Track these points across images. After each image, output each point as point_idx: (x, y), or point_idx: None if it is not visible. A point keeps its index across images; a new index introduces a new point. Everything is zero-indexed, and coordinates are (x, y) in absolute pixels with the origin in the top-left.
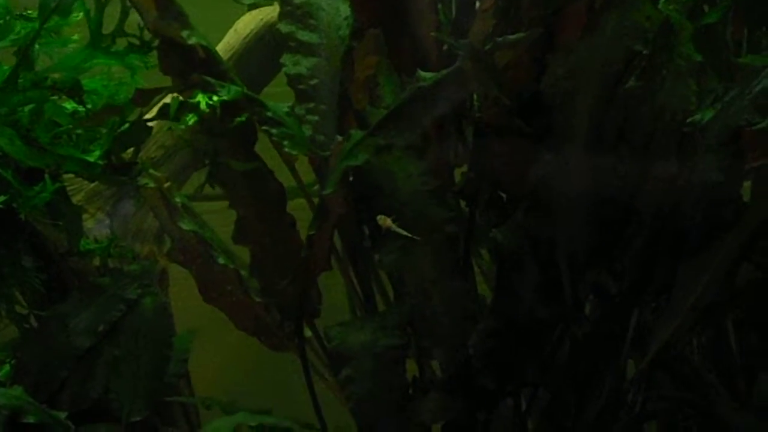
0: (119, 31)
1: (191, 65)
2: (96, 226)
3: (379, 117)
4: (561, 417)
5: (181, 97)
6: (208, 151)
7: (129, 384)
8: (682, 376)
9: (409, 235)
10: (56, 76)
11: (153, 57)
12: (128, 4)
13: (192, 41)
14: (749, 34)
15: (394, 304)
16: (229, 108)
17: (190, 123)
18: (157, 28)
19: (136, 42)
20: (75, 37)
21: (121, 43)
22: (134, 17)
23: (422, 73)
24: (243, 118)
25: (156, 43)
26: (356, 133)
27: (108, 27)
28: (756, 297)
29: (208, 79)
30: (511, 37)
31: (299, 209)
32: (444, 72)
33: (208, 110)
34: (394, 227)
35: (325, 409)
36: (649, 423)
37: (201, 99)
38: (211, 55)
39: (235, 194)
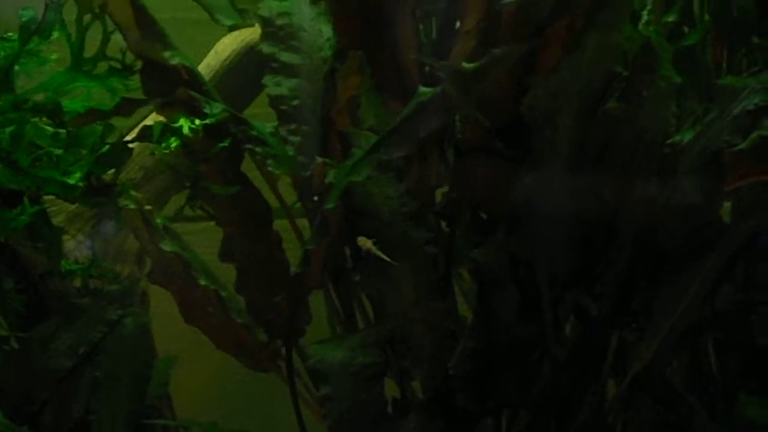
0: (101, 54)
1: (174, 86)
2: (77, 248)
3: (362, 138)
4: None
5: (163, 119)
6: (190, 173)
7: (109, 405)
8: (663, 397)
9: (388, 259)
10: (37, 98)
11: (134, 80)
12: (110, 26)
13: (175, 62)
14: (729, 55)
15: (373, 323)
16: (212, 129)
17: (173, 146)
18: (139, 49)
19: (118, 65)
20: (54, 56)
21: (102, 67)
22: (115, 40)
23: (423, 89)
24: (226, 143)
25: (138, 66)
26: (357, 151)
27: (89, 50)
28: (736, 318)
29: (193, 94)
30: (498, 50)
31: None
32: (437, 89)
33: (191, 134)
34: (374, 250)
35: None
36: None
37: (183, 123)
38: (194, 76)
39: (222, 213)
